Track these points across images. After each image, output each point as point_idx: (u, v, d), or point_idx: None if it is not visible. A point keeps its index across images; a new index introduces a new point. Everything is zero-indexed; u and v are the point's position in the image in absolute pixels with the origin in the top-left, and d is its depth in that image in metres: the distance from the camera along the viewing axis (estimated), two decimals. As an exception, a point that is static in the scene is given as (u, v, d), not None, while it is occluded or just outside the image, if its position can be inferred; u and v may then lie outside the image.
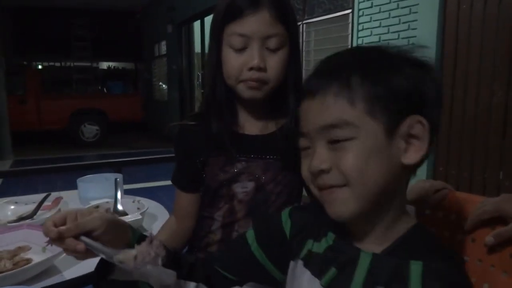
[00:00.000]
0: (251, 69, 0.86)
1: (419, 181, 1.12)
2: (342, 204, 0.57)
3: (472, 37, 2.45)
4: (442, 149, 2.67)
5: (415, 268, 0.54)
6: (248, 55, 0.86)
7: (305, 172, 0.61)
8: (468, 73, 2.47)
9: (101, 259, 0.63)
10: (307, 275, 0.63)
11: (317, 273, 0.61)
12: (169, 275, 0.62)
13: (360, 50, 0.63)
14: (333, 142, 0.56)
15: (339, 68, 0.58)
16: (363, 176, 0.55)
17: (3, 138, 6.72)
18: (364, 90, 0.55)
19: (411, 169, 0.59)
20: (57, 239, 0.57)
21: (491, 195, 0.90)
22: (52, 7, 10.08)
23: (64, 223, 0.58)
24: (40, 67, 11.49)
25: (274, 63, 0.87)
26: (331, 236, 0.63)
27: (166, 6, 8.08)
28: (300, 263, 0.65)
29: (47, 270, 0.93)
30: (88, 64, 10.87)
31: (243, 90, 0.89)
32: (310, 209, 0.69)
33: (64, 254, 0.93)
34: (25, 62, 10.91)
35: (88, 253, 0.59)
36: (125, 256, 0.57)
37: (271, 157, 0.93)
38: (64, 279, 0.91)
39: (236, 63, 0.87)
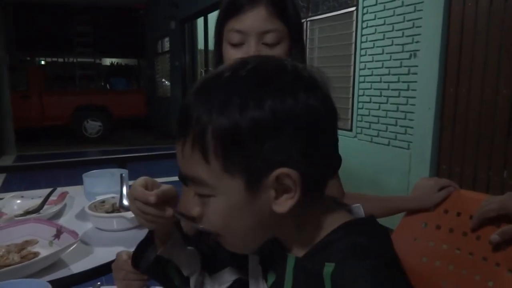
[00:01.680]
0: None
1: (423, 178, 1.12)
2: (225, 245, 0.57)
3: (477, 35, 2.44)
4: (445, 147, 2.67)
5: (327, 270, 0.50)
6: (245, 50, 0.88)
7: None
8: (472, 71, 2.47)
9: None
10: (258, 272, 0.63)
11: (263, 273, 0.62)
12: (196, 259, 0.69)
13: (230, 79, 0.51)
14: (197, 193, 0.53)
15: (201, 105, 0.49)
16: (229, 230, 0.54)
17: (6, 134, 6.75)
18: (216, 146, 0.48)
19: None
20: (155, 203, 0.59)
21: (495, 194, 0.90)
22: (55, 2, 10.10)
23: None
24: (43, 63, 11.52)
25: None
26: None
27: (169, 2, 8.08)
28: (255, 257, 0.65)
29: (54, 263, 0.93)
30: (91, 60, 10.89)
31: None
32: None
33: (72, 247, 0.95)
34: (28, 58, 10.94)
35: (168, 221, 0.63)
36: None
37: None
38: (71, 273, 0.91)
39: (234, 58, 0.88)
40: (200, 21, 7.18)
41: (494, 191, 2.34)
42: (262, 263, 0.63)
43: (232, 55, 0.89)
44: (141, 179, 0.62)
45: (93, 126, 8.51)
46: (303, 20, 4.25)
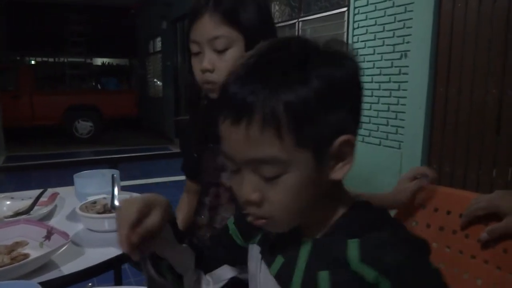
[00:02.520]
0: (203, 71, 0.94)
1: (404, 174, 1.13)
2: (270, 228, 0.58)
3: (466, 36, 2.46)
4: (436, 147, 2.69)
5: (353, 246, 0.53)
6: (200, 58, 0.94)
7: (237, 194, 0.57)
8: (462, 71, 2.49)
9: None
10: (260, 262, 0.64)
11: (267, 261, 0.62)
12: (190, 257, 0.70)
13: (277, 59, 0.52)
14: (263, 176, 0.52)
15: (262, 87, 0.50)
16: (290, 208, 0.54)
17: (-4, 134, 6.67)
18: (289, 121, 0.49)
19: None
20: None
21: (484, 193, 0.91)
22: (46, 1, 10.01)
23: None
24: (33, 62, 11.41)
25: (222, 63, 0.92)
26: None
27: (161, 2, 8.05)
28: (256, 247, 0.66)
29: (45, 265, 0.93)
30: (82, 60, 10.80)
31: (207, 92, 0.99)
32: None
33: (63, 249, 0.95)
34: (18, 57, 10.82)
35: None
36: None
37: None
38: (62, 274, 0.91)
39: (194, 67, 0.97)
40: (192, 21, 7.16)
41: (483, 190, 2.36)
42: (263, 252, 0.64)
43: (193, 64, 0.97)
44: (133, 210, 0.57)
45: (84, 126, 8.46)
46: (294, 20, 4.26)
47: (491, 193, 0.87)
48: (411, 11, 2.74)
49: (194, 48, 0.95)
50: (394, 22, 2.88)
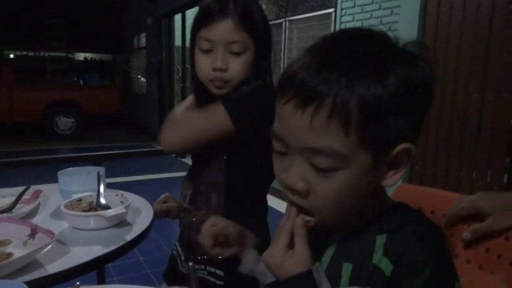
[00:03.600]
0: (215, 70, 0.97)
1: None
2: (316, 225, 0.56)
3: (450, 39, 2.52)
4: (418, 149, 2.74)
5: (379, 241, 0.54)
6: (213, 57, 0.97)
7: (279, 176, 0.57)
8: (445, 75, 2.54)
9: None
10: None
11: None
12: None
13: (351, 47, 0.51)
14: (315, 166, 0.51)
15: (337, 77, 0.48)
16: (338, 207, 0.53)
17: (-27, 129, 6.48)
18: (361, 117, 0.48)
19: None
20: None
21: (464, 194, 0.94)
22: (26, -7, 9.77)
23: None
24: (12, 56, 11.13)
25: (236, 65, 0.97)
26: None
27: (146, -2, 7.97)
28: None
29: (29, 264, 0.91)
30: (64, 54, 10.59)
31: (211, 88, 1.00)
32: None
33: (47, 248, 0.93)
34: (-5, 51, 10.56)
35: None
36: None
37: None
38: (47, 274, 0.89)
39: (203, 64, 0.99)
40: (178, 17, 7.10)
41: (464, 191, 2.42)
42: None
43: (201, 60, 0.99)
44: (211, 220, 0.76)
45: (65, 122, 8.29)
46: (281, 20, 4.27)
47: (471, 194, 0.89)
48: (397, 14, 2.78)
49: (204, 45, 0.97)
50: (380, 24, 2.92)
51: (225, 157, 1.02)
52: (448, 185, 2.54)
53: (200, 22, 0.98)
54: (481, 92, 2.38)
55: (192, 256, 1.07)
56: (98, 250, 0.99)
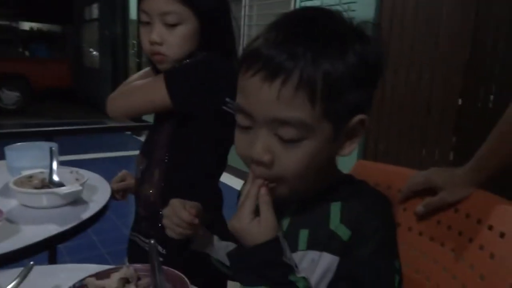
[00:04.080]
0: (151, 43, 0.95)
1: None
2: (279, 192, 0.58)
3: (405, 22, 2.59)
4: (373, 126, 2.83)
5: (334, 208, 0.58)
6: (150, 29, 0.95)
7: (242, 151, 0.58)
8: (400, 56, 2.62)
9: None
10: None
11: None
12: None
13: (316, 24, 0.53)
14: (281, 138, 0.53)
15: (303, 51, 0.50)
16: (301, 176, 0.55)
17: None
18: (325, 90, 0.51)
19: None
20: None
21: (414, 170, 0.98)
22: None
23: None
24: None
25: (172, 38, 0.94)
26: None
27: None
28: None
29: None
30: (7, 23, 9.84)
31: (155, 63, 1.00)
32: None
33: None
34: None
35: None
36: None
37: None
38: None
39: (143, 36, 0.98)
40: (133, -12, 6.79)
41: (414, 168, 2.54)
42: None
43: (142, 33, 0.98)
44: (175, 200, 0.71)
45: (9, 96, 7.78)
46: (241, -4, 4.20)
47: (420, 170, 0.94)
48: (356, -6, 2.82)
49: (143, 17, 0.96)
50: (339, 4, 2.95)
51: (169, 133, 1.01)
52: (399, 162, 2.65)
53: None
54: (432, 74, 2.48)
55: (138, 229, 1.08)
56: (50, 229, 0.95)
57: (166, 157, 1.01)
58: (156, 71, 1.04)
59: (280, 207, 0.61)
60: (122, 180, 1.17)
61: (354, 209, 0.57)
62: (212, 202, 1.07)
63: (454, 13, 2.35)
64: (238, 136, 0.58)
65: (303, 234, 0.59)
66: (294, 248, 0.59)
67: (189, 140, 1.00)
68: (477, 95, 2.30)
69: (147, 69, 1.10)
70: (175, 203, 0.71)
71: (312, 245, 0.59)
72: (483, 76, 2.28)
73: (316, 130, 0.52)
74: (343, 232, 0.56)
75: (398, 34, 2.61)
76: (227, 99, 0.96)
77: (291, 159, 0.54)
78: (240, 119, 0.56)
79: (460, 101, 2.39)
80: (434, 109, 2.50)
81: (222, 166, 1.08)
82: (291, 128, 0.52)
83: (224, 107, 0.96)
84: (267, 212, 0.56)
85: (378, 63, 0.56)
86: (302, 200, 0.62)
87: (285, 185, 0.56)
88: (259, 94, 0.52)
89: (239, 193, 0.73)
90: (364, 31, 0.56)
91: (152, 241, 0.63)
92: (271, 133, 0.53)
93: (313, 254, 0.58)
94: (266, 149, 0.54)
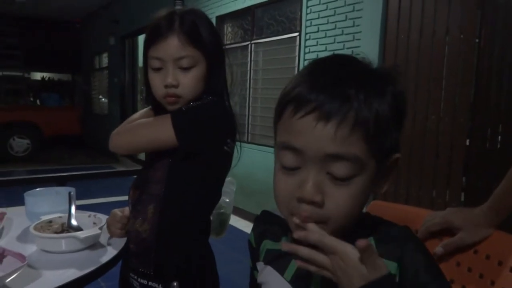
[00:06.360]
0: (166, 86, 0.99)
1: None
2: (332, 229, 0.55)
3: (409, 64, 2.66)
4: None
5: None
6: (164, 75, 0.99)
7: (287, 193, 0.56)
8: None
9: None
10: (270, 272, 0.65)
11: (279, 268, 0.63)
12: None
13: (354, 68, 0.57)
14: (333, 175, 0.53)
15: (354, 91, 0.53)
16: (350, 215, 0.55)
17: None
18: (376, 129, 0.53)
19: None
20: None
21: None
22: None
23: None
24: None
25: (186, 80, 1.00)
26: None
27: (108, 18, 7.87)
28: (261, 264, 0.68)
29: (-3, 290, 0.86)
30: (19, 74, 10.16)
31: (165, 104, 1.03)
32: (267, 218, 0.73)
33: (18, 272, 0.89)
34: None
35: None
36: None
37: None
38: (18, 299, 0.84)
39: (155, 81, 1.01)
40: (142, 38, 7.07)
41: (424, 208, 2.51)
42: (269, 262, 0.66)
43: (153, 78, 1.01)
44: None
45: (20, 144, 7.89)
46: (247, 43, 4.36)
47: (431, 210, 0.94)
48: (359, 39, 2.92)
49: (155, 64, 1.00)
50: (343, 49, 3.05)
51: (168, 169, 1.02)
52: (410, 204, 2.63)
53: (149, 42, 1.01)
54: (438, 115, 2.52)
55: (129, 264, 1.07)
56: (71, 274, 0.95)
57: (162, 192, 1.02)
58: (155, 111, 1.09)
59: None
60: (114, 216, 1.13)
61: (387, 242, 0.57)
62: (204, 231, 1.10)
63: (457, 53, 2.43)
64: (282, 178, 0.56)
65: None
66: None
67: (187, 176, 1.02)
68: (485, 136, 2.32)
69: (147, 108, 1.15)
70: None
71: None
72: (489, 116, 2.31)
73: (366, 167, 0.54)
74: (390, 266, 0.55)
75: (402, 75, 2.67)
76: (228, 140, 1.02)
77: (343, 197, 0.53)
78: (287, 160, 0.55)
79: (468, 142, 2.40)
80: (442, 150, 2.51)
81: (216, 199, 1.11)
82: (346, 163, 0.52)
83: (225, 147, 1.02)
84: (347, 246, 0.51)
85: (404, 103, 0.59)
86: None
87: (330, 225, 0.55)
88: (313, 132, 0.52)
89: (249, 241, 0.73)
90: (391, 73, 0.59)
91: (175, 283, 0.64)
92: (323, 171, 0.53)
93: None
94: (318, 188, 0.53)
